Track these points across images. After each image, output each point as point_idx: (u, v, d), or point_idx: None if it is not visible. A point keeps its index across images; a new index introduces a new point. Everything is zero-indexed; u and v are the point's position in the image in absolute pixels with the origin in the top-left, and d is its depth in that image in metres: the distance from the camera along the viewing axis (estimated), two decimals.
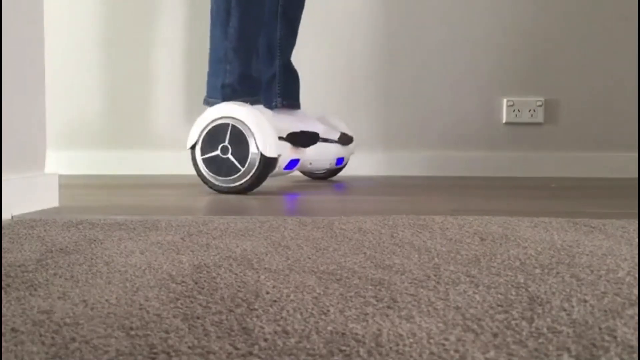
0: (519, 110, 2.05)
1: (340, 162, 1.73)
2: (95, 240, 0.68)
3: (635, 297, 0.45)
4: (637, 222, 0.82)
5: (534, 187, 1.59)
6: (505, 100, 2.05)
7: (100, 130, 2.07)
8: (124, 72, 2.07)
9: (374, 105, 2.08)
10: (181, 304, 0.43)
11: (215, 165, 1.29)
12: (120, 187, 1.55)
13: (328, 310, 0.42)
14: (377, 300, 0.44)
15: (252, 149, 1.27)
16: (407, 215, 0.87)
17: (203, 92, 1.44)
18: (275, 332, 0.37)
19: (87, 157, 2.06)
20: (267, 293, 0.46)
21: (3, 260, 0.58)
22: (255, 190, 1.32)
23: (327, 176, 1.80)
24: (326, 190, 1.49)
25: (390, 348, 0.34)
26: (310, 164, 1.52)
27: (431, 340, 0.36)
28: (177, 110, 2.08)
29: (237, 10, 1.35)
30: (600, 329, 0.38)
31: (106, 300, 0.44)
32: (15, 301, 0.44)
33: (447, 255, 0.61)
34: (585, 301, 0.44)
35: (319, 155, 1.53)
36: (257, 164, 1.27)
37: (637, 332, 0.37)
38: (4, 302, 0.44)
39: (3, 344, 0.35)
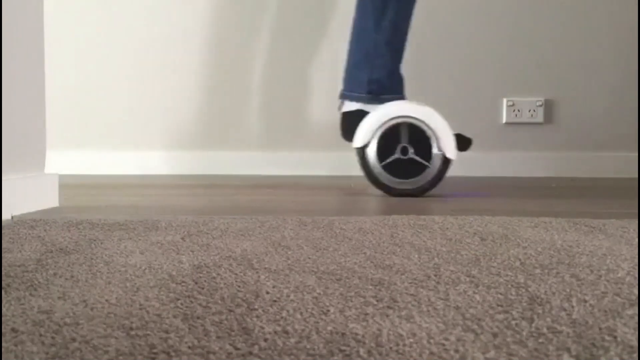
0: (519, 110, 2.05)
1: None
2: (95, 240, 0.68)
3: (635, 297, 0.45)
4: (637, 222, 0.82)
5: (534, 187, 1.59)
6: (505, 100, 2.05)
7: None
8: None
9: None
10: (181, 304, 0.43)
11: (393, 166, 1.23)
12: (121, 187, 1.55)
13: (328, 310, 0.42)
14: (377, 300, 0.44)
15: (435, 150, 1.23)
16: (407, 215, 0.87)
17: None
18: (275, 332, 0.37)
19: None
20: (267, 293, 0.46)
21: (3, 260, 0.58)
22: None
23: None
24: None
25: (390, 348, 0.34)
26: None
27: (431, 340, 0.36)
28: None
29: (396, 4, 1.30)
30: (600, 329, 0.38)
31: (106, 300, 0.44)
32: (15, 301, 0.44)
33: (447, 255, 0.61)
34: (585, 301, 0.44)
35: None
36: (438, 165, 1.23)
37: (637, 332, 0.37)
38: (4, 302, 0.44)
39: (3, 344, 0.35)
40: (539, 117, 2.05)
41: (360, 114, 1.31)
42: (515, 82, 2.06)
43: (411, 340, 0.36)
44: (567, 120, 2.06)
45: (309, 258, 0.59)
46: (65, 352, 0.34)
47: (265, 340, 0.36)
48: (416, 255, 0.60)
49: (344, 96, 1.36)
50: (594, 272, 0.53)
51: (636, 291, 0.47)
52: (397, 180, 1.24)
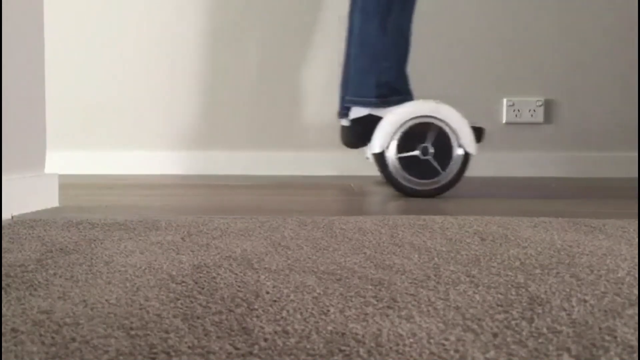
0: (519, 110, 2.05)
1: None
2: (95, 240, 0.68)
3: (635, 297, 0.45)
4: (637, 222, 0.82)
5: (534, 187, 1.59)
6: (505, 100, 2.05)
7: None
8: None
9: None
10: (181, 304, 0.43)
11: (413, 167, 1.22)
12: (121, 187, 1.55)
13: (328, 310, 0.42)
14: (377, 300, 0.44)
15: (456, 147, 1.22)
16: (407, 215, 0.87)
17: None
18: (275, 332, 0.37)
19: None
20: (267, 293, 0.46)
21: (3, 260, 0.58)
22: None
23: None
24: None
25: (390, 348, 0.34)
26: None
27: (431, 340, 0.36)
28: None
29: (399, 4, 1.29)
30: (600, 329, 0.38)
31: (106, 300, 0.44)
32: (15, 301, 0.44)
33: (447, 255, 0.61)
34: (585, 301, 0.44)
35: None
36: (460, 163, 1.23)
37: (637, 332, 0.37)
38: (4, 302, 0.44)
39: (3, 344, 0.35)
40: (539, 117, 2.05)
41: (371, 120, 1.29)
42: (515, 82, 2.06)
43: (411, 340, 0.36)
44: (567, 120, 2.06)
45: (309, 258, 0.59)
46: (65, 352, 0.34)
47: (265, 340, 0.36)
48: (416, 255, 0.60)
49: (353, 102, 1.34)
50: (594, 272, 0.53)
51: (636, 291, 0.47)
52: (419, 181, 1.23)
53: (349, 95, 1.35)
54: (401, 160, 1.23)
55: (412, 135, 1.22)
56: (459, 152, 1.22)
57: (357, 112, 1.33)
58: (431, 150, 1.22)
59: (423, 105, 1.24)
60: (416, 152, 1.22)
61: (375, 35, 1.30)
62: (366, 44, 1.32)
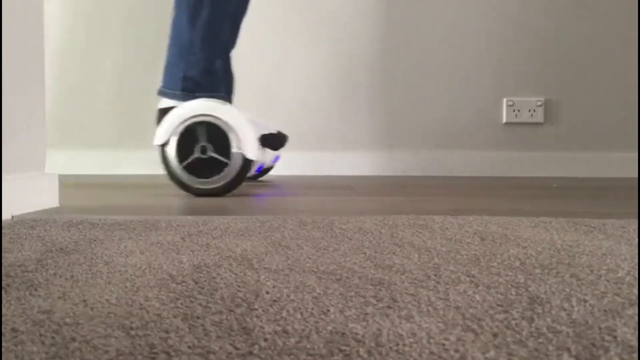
0: (519, 110, 2.05)
1: (277, 160, 1.71)
2: (95, 240, 0.68)
3: (635, 297, 0.45)
4: (637, 222, 0.82)
5: (534, 187, 1.59)
6: (505, 100, 2.06)
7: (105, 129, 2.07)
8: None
9: (374, 106, 2.08)
10: (181, 304, 0.43)
11: (194, 166, 1.22)
12: (121, 187, 1.55)
13: (328, 310, 0.42)
14: (377, 300, 0.44)
15: (234, 149, 1.22)
16: (407, 215, 0.87)
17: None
18: (275, 332, 0.37)
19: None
20: (267, 293, 0.46)
21: (3, 260, 0.58)
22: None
23: (254, 177, 1.74)
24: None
25: (390, 348, 0.34)
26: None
27: (431, 340, 0.36)
28: None
29: (210, 2, 1.30)
30: (600, 329, 0.38)
31: (106, 300, 0.44)
32: (15, 301, 0.44)
33: (447, 255, 0.61)
34: (585, 301, 0.44)
35: (264, 156, 1.50)
36: (238, 166, 1.22)
37: (637, 332, 0.37)
38: (4, 302, 0.44)
39: (3, 344, 0.35)
40: (539, 117, 2.05)
41: None
42: (515, 82, 2.06)
43: (411, 340, 0.36)
44: (567, 120, 2.06)
45: (309, 258, 0.59)
46: (65, 352, 0.34)
47: (265, 340, 0.36)
48: (416, 255, 0.60)
49: (162, 93, 1.35)
50: (594, 272, 0.53)
51: (636, 291, 0.47)
52: (198, 180, 1.23)
53: (161, 85, 1.36)
54: (180, 157, 1.23)
55: (194, 133, 1.22)
56: (237, 153, 1.22)
57: (164, 102, 1.34)
58: (210, 149, 1.22)
59: (207, 104, 1.24)
60: (195, 151, 1.22)
61: (184, 29, 1.31)
62: (176, 37, 1.33)
